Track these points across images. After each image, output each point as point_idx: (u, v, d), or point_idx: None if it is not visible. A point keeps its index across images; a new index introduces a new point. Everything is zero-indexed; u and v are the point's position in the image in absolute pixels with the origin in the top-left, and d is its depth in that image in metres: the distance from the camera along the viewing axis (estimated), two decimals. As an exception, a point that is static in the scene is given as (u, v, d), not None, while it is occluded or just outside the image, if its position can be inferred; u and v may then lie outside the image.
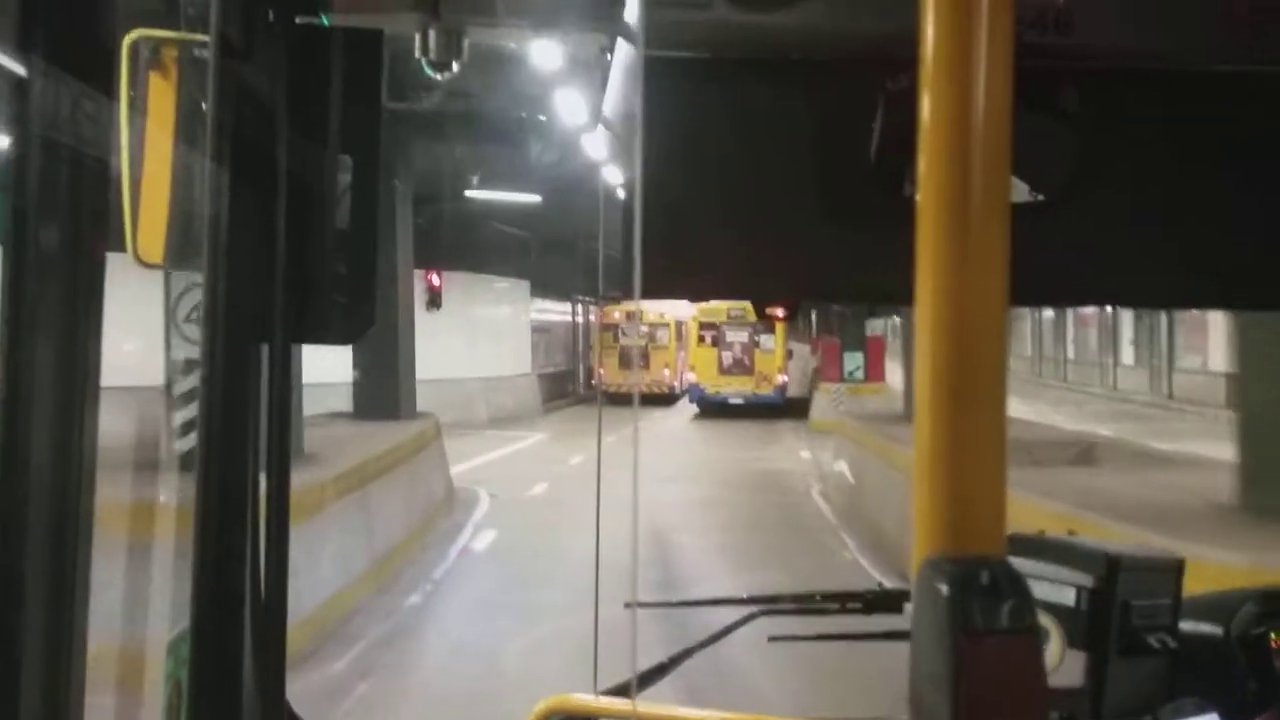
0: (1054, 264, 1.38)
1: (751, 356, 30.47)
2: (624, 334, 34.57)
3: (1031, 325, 49.30)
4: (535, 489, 16.13)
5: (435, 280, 25.64)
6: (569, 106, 13.49)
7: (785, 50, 1.40)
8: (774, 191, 1.43)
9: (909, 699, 0.82)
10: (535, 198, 22.13)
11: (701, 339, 30.77)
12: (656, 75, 1.32)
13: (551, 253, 31.36)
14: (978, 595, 0.79)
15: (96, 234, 1.13)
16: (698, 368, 30.85)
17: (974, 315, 0.83)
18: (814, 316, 33.80)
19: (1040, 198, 1.35)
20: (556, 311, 40.12)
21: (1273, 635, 1.77)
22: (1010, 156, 0.84)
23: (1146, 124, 1.43)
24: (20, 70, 1.05)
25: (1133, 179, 1.44)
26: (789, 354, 31.36)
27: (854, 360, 27.29)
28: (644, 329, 34.84)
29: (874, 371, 27.48)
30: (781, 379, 30.70)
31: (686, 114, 1.42)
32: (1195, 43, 1.38)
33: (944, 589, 0.79)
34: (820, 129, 1.40)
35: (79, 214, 1.12)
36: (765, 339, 30.37)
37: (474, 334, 27.76)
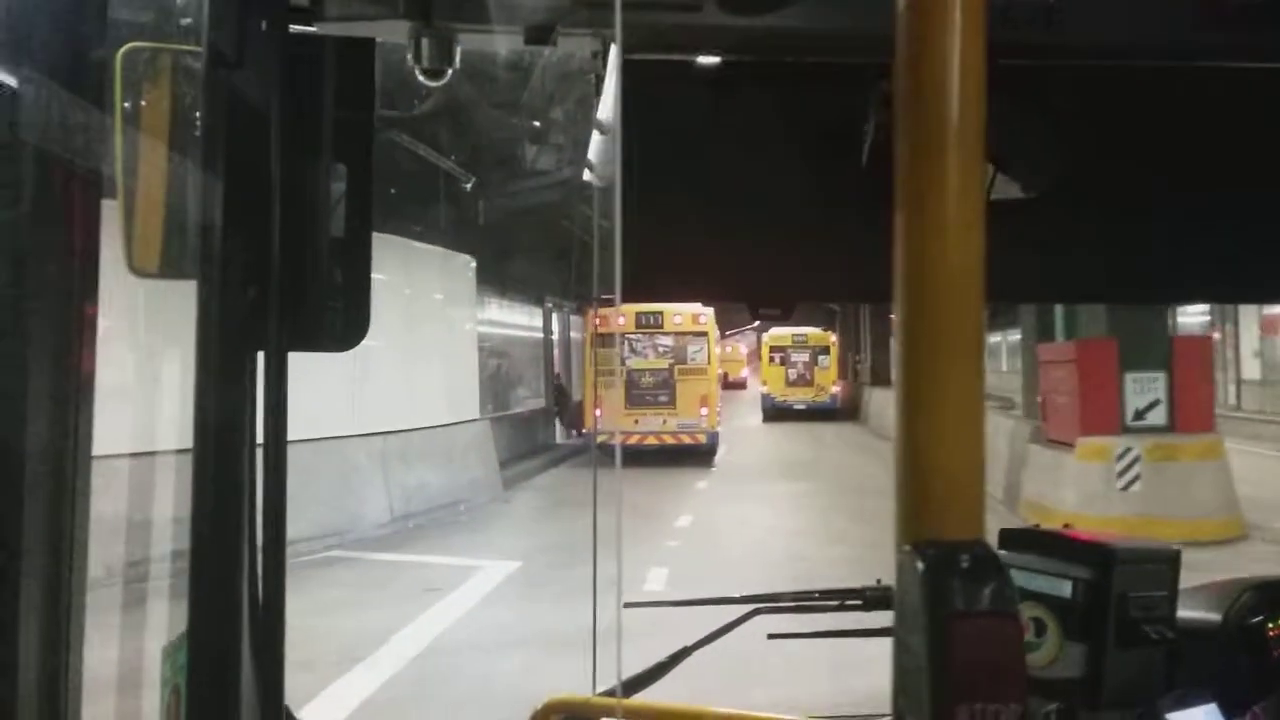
0: (1042, 260, 1.43)
1: (811, 372, 37.36)
2: (633, 350, 21.21)
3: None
4: None
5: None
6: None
7: (776, 53, 1.42)
8: (763, 192, 1.44)
9: (892, 683, 0.83)
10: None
11: (772, 359, 37.47)
12: (647, 78, 1.38)
13: (511, 225, 19.12)
14: (957, 578, 0.79)
15: (92, 245, 1.10)
16: (769, 381, 37.81)
17: (951, 309, 0.84)
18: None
19: (1027, 194, 1.34)
20: (518, 323, 26.70)
21: (1270, 624, 1.75)
22: (984, 153, 0.85)
23: (1133, 120, 1.46)
24: (13, 82, 1.02)
25: (1119, 175, 1.46)
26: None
27: (1148, 387, 12.54)
28: (665, 342, 21.52)
29: (1191, 410, 12.62)
30: (835, 389, 37.74)
31: (678, 116, 1.45)
32: (1180, 40, 1.40)
33: (924, 573, 0.80)
34: (810, 131, 1.42)
35: (74, 225, 1.08)
36: (822, 358, 37.44)
37: (368, 349, 13.84)
